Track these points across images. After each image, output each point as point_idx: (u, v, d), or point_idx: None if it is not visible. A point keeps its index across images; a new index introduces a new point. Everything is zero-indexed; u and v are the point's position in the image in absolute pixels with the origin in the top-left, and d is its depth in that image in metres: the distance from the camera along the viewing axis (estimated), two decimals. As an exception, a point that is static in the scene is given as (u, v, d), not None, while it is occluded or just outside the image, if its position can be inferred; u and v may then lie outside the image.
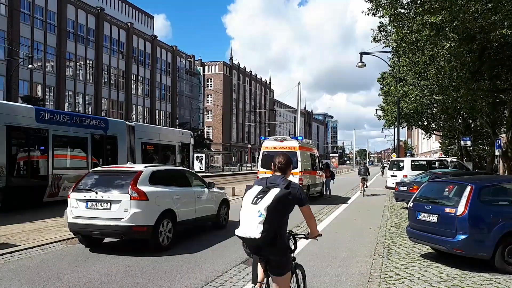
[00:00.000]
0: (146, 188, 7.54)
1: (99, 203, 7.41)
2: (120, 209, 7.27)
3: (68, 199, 7.82)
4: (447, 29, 11.27)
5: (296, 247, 3.81)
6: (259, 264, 3.55)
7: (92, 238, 7.96)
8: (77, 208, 7.60)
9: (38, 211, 12.13)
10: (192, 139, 22.55)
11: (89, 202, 7.50)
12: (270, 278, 3.49)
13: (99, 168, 8.99)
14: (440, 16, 10.44)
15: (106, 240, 8.39)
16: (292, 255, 3.63)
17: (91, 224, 7.37)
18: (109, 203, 7.36)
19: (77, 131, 14.81)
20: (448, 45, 11.14)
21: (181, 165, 19.70)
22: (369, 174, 22.20)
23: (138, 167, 8.27)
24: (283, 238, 3.45)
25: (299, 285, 3.99)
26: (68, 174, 14.14)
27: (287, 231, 3.64)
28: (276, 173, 3.66)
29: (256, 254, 3.49)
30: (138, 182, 7.51)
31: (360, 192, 20.62)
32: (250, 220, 3.24)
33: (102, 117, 21.46)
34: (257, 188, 3.43)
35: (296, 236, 3.87)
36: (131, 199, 7.27)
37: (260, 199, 3.27)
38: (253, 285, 3.61)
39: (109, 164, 14.81)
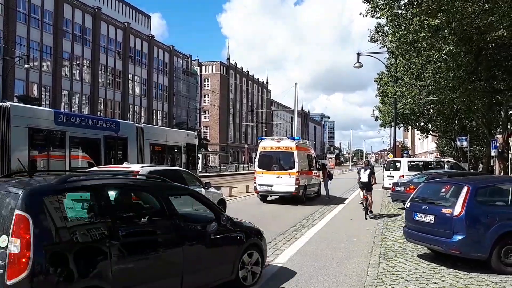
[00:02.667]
0: None
1: None
2: None
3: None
4: (445, 31, 11.30)
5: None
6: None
7: None
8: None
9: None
10: (196, 140, 23.07)
11: None
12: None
13: (95, 168, 8.96)
14: (438, 19, 10.48)
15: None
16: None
17: None
18: None
19: (91, 132, 15.45)
20: (447, 48, 11.18)
21: (187, 165, 20.10)
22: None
23: (135, 167, 8.25)
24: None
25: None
26: None
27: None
28: None
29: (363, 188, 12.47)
30: None
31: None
32: (364, 175, 12.87)
33: (114, 119, 22.06)
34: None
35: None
36: None
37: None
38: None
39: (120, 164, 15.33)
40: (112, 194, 4.32)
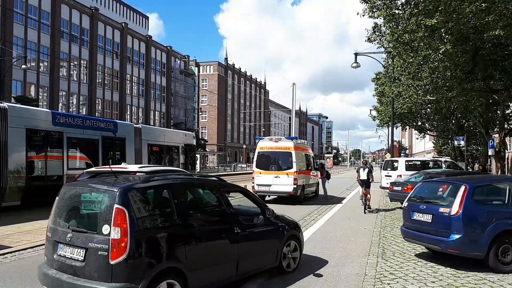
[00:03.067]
0: None
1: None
2: None
3: None
4: (442, 30, 11.33)
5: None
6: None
7: None
8: None
9: (32, 213, 12.04)
10: (194, 140, 23.12)
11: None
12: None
13: (93, 169, 8.93)
14: (435, 19, 10.49)
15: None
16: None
17: None
18: None
19: (89, 133, 15.50)
20: (444, 48, 11.19)
21: (185, 166, 20.13)
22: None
23: (133, 167, 8.21)
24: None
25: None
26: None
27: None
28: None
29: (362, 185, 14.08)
30: None
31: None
32: (363, 174, 14.25)
33: (112, 120, 22.07)
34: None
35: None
36: None
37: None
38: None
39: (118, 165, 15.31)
40: (183, 190, 5.26)
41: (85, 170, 8.79)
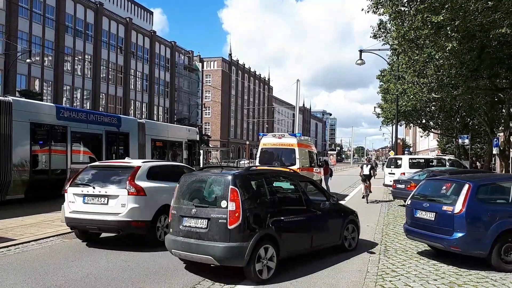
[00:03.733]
0: (144, 184, 7.53)
1: (97, 198, 7.41)
2: (117, 204, 7.26)
3: (65, 194, 7.79)
4: (448, 28, 11.25)
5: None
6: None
7: (89, 233, 7.95)
8: (74, 202, 7.59)
9: (35, 206, 12.11)
10: (198, 135, 23.09)
11: (86, 197, 7.50)
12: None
13: (97, 163, 8.99)
14: (441, 16, 10.42)
15: (103, 235, 8.37)
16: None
17: (88, 219, 7.36)
18: (106, 198, 7.35)
19: (93, 127, 15.59)
20: (451, 45, 11.11)
21: (188, 161, 20.16)
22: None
23: (136, 162, 8.25)
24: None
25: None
26: None
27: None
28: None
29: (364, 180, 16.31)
30: (136, 178, 7.50)
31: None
32: (366, 169, 16.83)
33: (116, 114, 22.17)
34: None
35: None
36: (128, 194, 7.26)
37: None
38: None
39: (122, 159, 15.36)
40: (272, 178, 6.90)
41: (89, 164, 8.86)
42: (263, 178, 6.47)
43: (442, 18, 10.49)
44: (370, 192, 16.78)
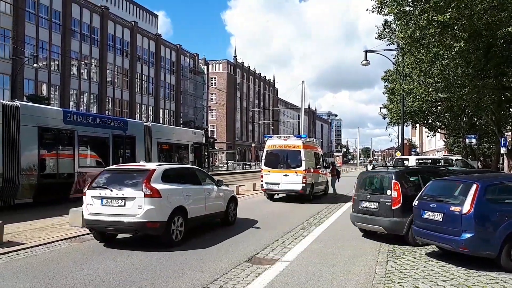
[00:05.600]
0: (159, 186, 7.74)
1: (114, 200, 7.61)
2: (134, 206, 7.47)
3: (84, 197, 8.02)
4: (455, 27, 11.18)
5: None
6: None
7: (106, 234, 8.17)
8: (93, 205, 7.80)
9: (44, 210, 12.20)
10: (204, 138, 23.15)
11: (104, 200, 7.69)
12: None
13: (113, 167, 9.13)
14: (448, 15, 10.36)
15: (111, 238, 8.42)
16: None
17: (106, 221, 7.60)
18: (123, 200, 7.56)
19: (100, 131, 15.67)
20: (458, 45, 11.04)
21: (194, 164, 20.22)
22: None
23: (151, 165, 8.45)
24: None
25: None
26: (92, 172, 14.65)
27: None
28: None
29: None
30: (152, 180, 7.72)
31: None
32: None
33: (122, 118, 22.25)
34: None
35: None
36: (145, 196, 7.48)
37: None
38: None
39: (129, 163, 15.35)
40: (425, 174, 9.00)
41: (105, 168, 9.04)
42: (419, 173, 8.96)
43: (448, 17, 10.44)
44: None
